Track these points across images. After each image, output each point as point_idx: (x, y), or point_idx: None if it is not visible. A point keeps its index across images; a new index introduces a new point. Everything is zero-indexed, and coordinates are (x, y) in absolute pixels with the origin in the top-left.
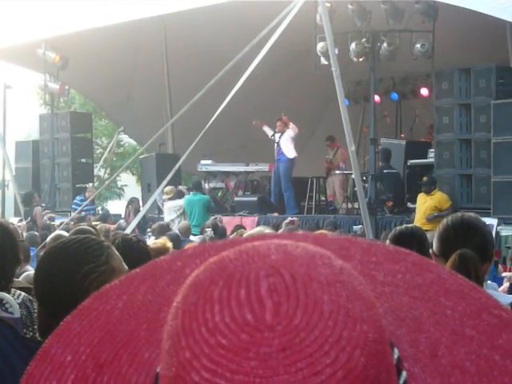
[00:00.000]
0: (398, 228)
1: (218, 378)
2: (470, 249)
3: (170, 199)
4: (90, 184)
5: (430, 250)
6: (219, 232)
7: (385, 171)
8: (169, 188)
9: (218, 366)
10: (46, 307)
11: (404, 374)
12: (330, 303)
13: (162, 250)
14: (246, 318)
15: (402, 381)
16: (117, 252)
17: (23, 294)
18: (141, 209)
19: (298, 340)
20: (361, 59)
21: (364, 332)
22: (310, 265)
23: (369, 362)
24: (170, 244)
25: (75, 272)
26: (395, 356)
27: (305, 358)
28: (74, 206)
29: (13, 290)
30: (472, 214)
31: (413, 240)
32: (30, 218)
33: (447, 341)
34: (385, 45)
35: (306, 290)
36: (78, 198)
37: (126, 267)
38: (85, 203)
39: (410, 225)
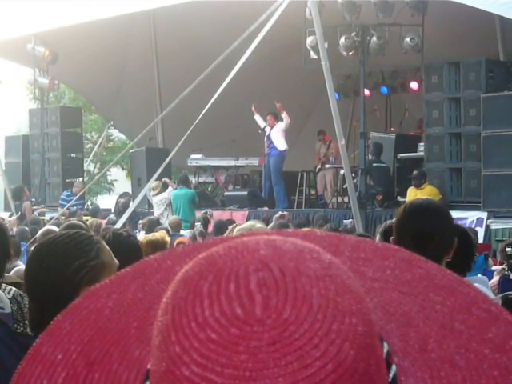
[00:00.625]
0: (389, 222)
1: (208, 372)
2: (432, 236)
3: (157, 194)
4: (80, 179)
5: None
6: (217, 226)
7: (374, 165)
8: (155, 183)
9: (208, 360)
10: (36, 302)
11: (394, 367)
12: (318, 297)
13: (161, 243)
14: (235, 313)
15: (391, 374)
16: (107, 246)
17: (14, 289)
18: (130, 204)
19: (288, 333)
20: (350, 53)
21: (353, 325)
22: (298, 259)
23: (358, 355)
24: (168, 238)
25: (66, 267)
26: (385, 350)
27: (294, 351)
28: (61, 202)
29: (3, 285)
30: (428, 199)
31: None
32: (19, 213)
33: (437, 335)
34: (374, 39)
35: (295, 284)
36: (64, 193)
37: (116, 262)
38: (74, 198)
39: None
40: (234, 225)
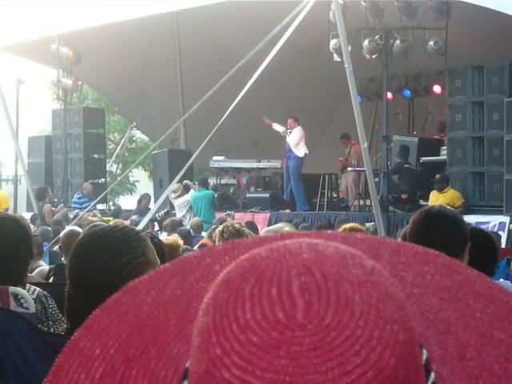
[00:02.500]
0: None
1: (248, 375)
2: (440, 243)
3: (178, 197)
4: (102, 179)
5: None
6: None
7: (405, 166)
8: (176, 186)
9: (249, 364)
10: (79, 290)
11: (432, 375)
12: (360, 303)
13: (174, 247)
14: (277, 316)
15: (430, 382)
16: (151, 245)
17: (38, 289)
18: (151, 205)
19: (329, 339)
20: (374, 56)
21: (394, 332)
22: (341, 264)
23: (398, 363)
24: (181, 241)
25: (114, 262)
26: (424, 357)
27: (335, 357)
28: (73, 205)
29: (28, 285)
30: (438, 207)
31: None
32: (38, 214)
33: (476, 343)
34: (398, 42)
35: (337, 290)
36: (76, 195)
37: (158, 261)
38: (95, 201)
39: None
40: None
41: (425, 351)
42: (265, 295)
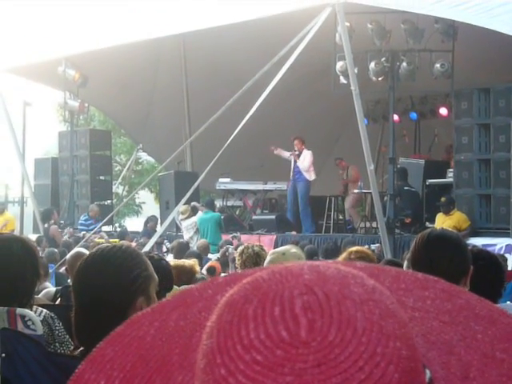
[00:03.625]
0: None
1: None
2: (442, 267)
3: (186, 218)
4: (109, 201)
5: None
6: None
7: (405, 188)
8: (183, 207)
9: (254, 382)
10: (87, 311)
11: None
12: (363, 320)
13: (188, 270)
14: (280, 335)
15: None
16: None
17: (45, 310)
18: (158, 227)
19: (333, 356)
20: (380, 78)
21: (397, 349)
22: (342, 284)
23: (402, 379)
24: (198, 268)
25: (123, 277)
26: (427, 376)
27: (339, 373)
28: (79, 227)
29: (34, 306)
30: (441, 229)
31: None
32: (44, 236)
33: (478, 363)
34: (404, 64)
35: (340, 308)
36: (82, 217)
37: (156, 276)
38: (100, 223)
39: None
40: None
41: (428, 371)
42: (268, 315)
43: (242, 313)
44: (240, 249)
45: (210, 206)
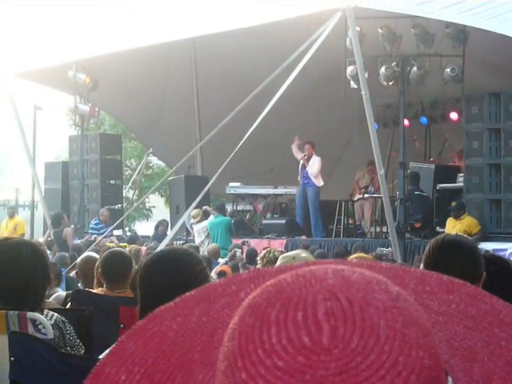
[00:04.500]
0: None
1: None
2: (454, 272)
3: (198, 222)
4: (119, 205)
5: None
6: (248, 254)
7: (416, 193)
8: (195, 211)
9: None
10: (157, 296)
11: None
12: (386, 328)
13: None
14: (302, 341)
15: None
16: None
17: (56, 314)
18: (168, 231)
19: (355, 364)
20: (390, 83)
21: (420, 358)
22: (366, 290)
23: None
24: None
25: (192, 267)
26: None
27: (361, 381)
28: (90, 231)
29: (46, 310)
30: (455, 235)
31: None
32: (54, 240)
33: (501, 371)
34: (414, 69)
35: (363, 315)
36: (93, 221)
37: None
38: (111, 228)
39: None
40: (269, 248)
41: (450, 378)
42: (290, 320)
43: (264, 317)
44: (262, 253)
45: (221, 210)
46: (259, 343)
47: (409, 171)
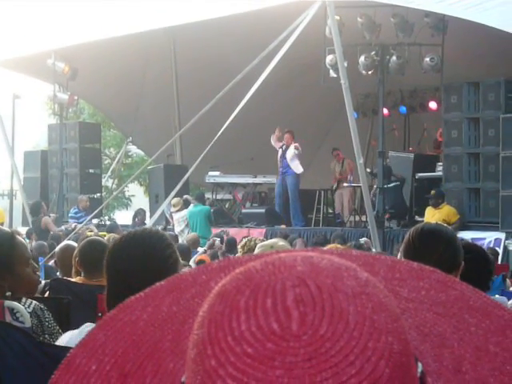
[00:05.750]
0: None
1: None
2: (432, 260)
3: (178, 211)
4: (98, 194)
5: None
6: (228, 243)
7: (385, 186)
8: (175, 200)
9: (244, 375)
10: (116, 292)
11: None
12: (355, 314)
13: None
14: (272, 328)
15: None
16: None
17: (34, 302)
18: (147, 220)
19: (324, 350)
20: (370, 72)
21: (389, 343)
22: (335, 276)
23: (393, 374)
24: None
25: (160, 251)
26: (419, 370)
27: (330, 367)
28: (70, 220)
29: (23, 298)
30: (435, 224)
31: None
32: (33, 228)
33: (471, 357)
34: (394, 58)
35: (332, 301)
36: (72, 210)
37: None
38: (92, 214)
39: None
40: (250, 237)
41: (420, 364)
42: (259, 307)
43: (233, 304)
44: (243, 241)
45: (200, 199)
46: (228, 330)
47: (392, 160)
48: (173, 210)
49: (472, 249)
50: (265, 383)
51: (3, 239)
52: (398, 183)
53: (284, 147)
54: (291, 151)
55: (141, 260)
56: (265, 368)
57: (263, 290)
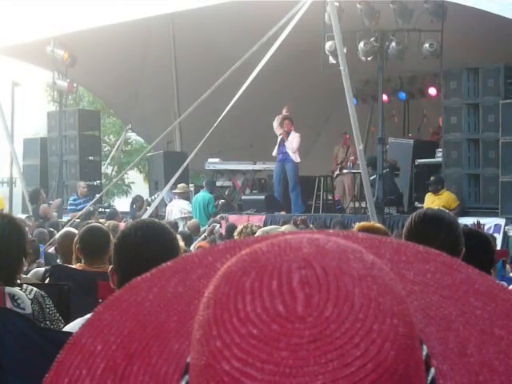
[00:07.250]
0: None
1: (248, 367)
2: (434, 246)
3: (179, 195)
4: (98, 181)
5: None
6: (228, 229)
7: (371, 178)
8: (182, 184)
9: (249, 356)
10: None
11: (432, 370)
12: (360, 296)
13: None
14: (277, 309)
15: (430, 377)
16: None
17: (35, 289)
18: (144, 206)
19: (329, 332)
20: (369, 58)
21: (394, 326)
22: (341, 258)
23: (398, 356)
24: (182, 243)
25: (166, 239)
26: (424, 352)
27: (335, 349)
28: (69, 207)
29: (24, 285)
30: (437, 209)
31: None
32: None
33: (476, 340)
34: (393, 44)
35: (338, 283)
36: (71, 198)
37: None
38: (92, 201)
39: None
40: (247, 223)
41: (425, 347)
42: (265, 288)
43: (239, 285)
44: (239, 228)
45: (209, 186)
46: (234, 311)
47: (391, 146)
48: (176, 191)
49: (475, 235)
50: (269, 364)
51: (1, 224)
52: (387, 169)
53: (286, 134)
54: (294, 140)
55: (152, 248)
56: (270, 349)
57: (269, 272)
